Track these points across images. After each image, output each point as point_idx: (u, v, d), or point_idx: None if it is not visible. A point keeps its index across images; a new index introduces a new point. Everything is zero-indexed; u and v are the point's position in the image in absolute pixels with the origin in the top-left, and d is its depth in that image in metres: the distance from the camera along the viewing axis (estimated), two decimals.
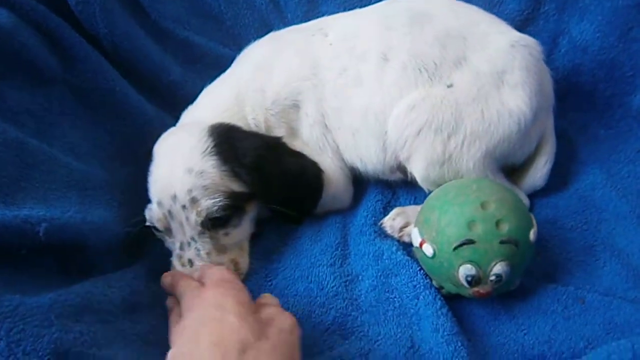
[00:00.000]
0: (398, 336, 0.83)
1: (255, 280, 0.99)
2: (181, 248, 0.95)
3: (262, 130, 1.06)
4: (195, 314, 0.72)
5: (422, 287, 0.87)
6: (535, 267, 0.92)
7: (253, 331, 0.67)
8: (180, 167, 0.93)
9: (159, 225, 0.95)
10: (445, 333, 0.79)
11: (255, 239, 1.05)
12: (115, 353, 0.75)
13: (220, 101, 1.07)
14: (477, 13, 1.04)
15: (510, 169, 1.05)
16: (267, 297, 0.82)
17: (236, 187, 0.96)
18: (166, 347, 0.86)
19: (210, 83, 1.13)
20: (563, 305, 0.85)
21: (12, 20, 0.94)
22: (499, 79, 0.95)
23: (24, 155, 0.88)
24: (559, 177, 1.08)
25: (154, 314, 0.93)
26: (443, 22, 1.00)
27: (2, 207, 0.78)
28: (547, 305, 0.86)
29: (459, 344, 0.77)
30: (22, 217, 0.77)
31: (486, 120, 0.94)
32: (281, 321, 0.72)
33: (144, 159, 1.01)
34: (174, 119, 1.13)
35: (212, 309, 0.71)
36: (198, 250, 0.94)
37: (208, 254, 0.94)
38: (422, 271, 0.90)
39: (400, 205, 1.09)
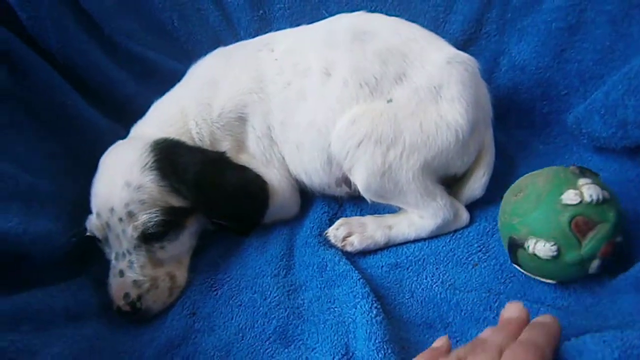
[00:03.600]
0: (334, 343, 0.85)
1: (200, 290, 1.01)
2: (116, 259, 0.97)
3: (206, 144, 1.08)
4: None
5: (360, 296, 0.89)
6: (471, 277, 0.95)
7: None
8: (120, 181, 0.96)
9: (97, 234, 0.97)
10: (377, 340, 0.80)
11: (201, 250, 1.07)
12: (54, 354, 0.77)
13: (166, 116, 1.10)
14: (418, 31, 1.08)
15: (452, 180, 1.09)
16: None
17: (176, 202, 0.98)
18: (114, 354, 0.88)
19: (160, 98, 1.15)
20: (494, 313, 0.88)
21: None
22: (436, 93, 0.99)
23: None
24: (499, 190, 1.11)
25: (100, 322, 0.95)
26: (384, 39, 1.04)
27: None
28: (479, 314, 0.88)
29: (389, 351, 0.79)
30: None
31: (424, 132, 0.98)
32: None
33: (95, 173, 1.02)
34: (128, 133, 1.15)
35: None
36: (131, 262, 0.96)
37: (142, 267, 0.96)
38: (361, 280, 0.92)
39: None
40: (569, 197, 0.82)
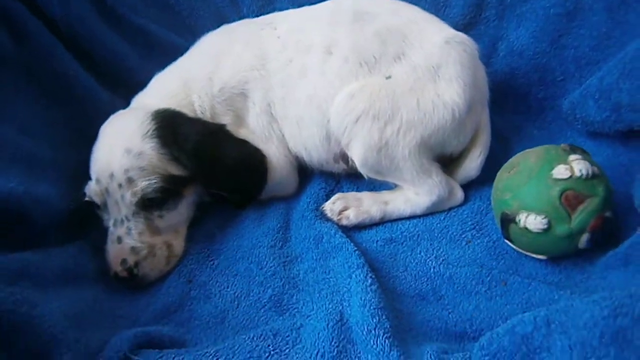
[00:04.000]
0: (329, 311, 0.86)
1: (197, 259, 1.02)
2: (114, 225, 0.98)
3: (207, 117, 1.09)
4: None
5: (355, 266, 0.91)
6: (464, 253, 0.97)
7: None
8: (120, 148, 0.97)
9: (96, 199, 0.98)
10: (372, 307, 0.82)
11: (198, 221, 1.08)
12: (53, 309, 0.78)
13: (168, 88, 1.11)
14: (417, 12, 1.10)
15: (448, 160, 1.11)
16: None
17: (175, 170, 0.99)
18: (111, 317, 0.89)
19: (161, 71, 1.16)
20: (487, 287, 0.90)
21: None
22: (434, 72, 1.01)
23: None
24: (494, 171, 1.13)
25: (98, 286, 0.96)
26: (384, 20, 1.06)
27: None
28: (472, 287, 0.90)
29: (384, 317, 0.80)
30: None
31: (421, 110, 0.99)
32: None
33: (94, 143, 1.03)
34: (128, 105, 1.15)
35: None
36: (129, 229, 0.97)
37: (140, 233, 0.97)
38: (356, 252, 0.94)
39: None
40: (560, 171, 0.84)
